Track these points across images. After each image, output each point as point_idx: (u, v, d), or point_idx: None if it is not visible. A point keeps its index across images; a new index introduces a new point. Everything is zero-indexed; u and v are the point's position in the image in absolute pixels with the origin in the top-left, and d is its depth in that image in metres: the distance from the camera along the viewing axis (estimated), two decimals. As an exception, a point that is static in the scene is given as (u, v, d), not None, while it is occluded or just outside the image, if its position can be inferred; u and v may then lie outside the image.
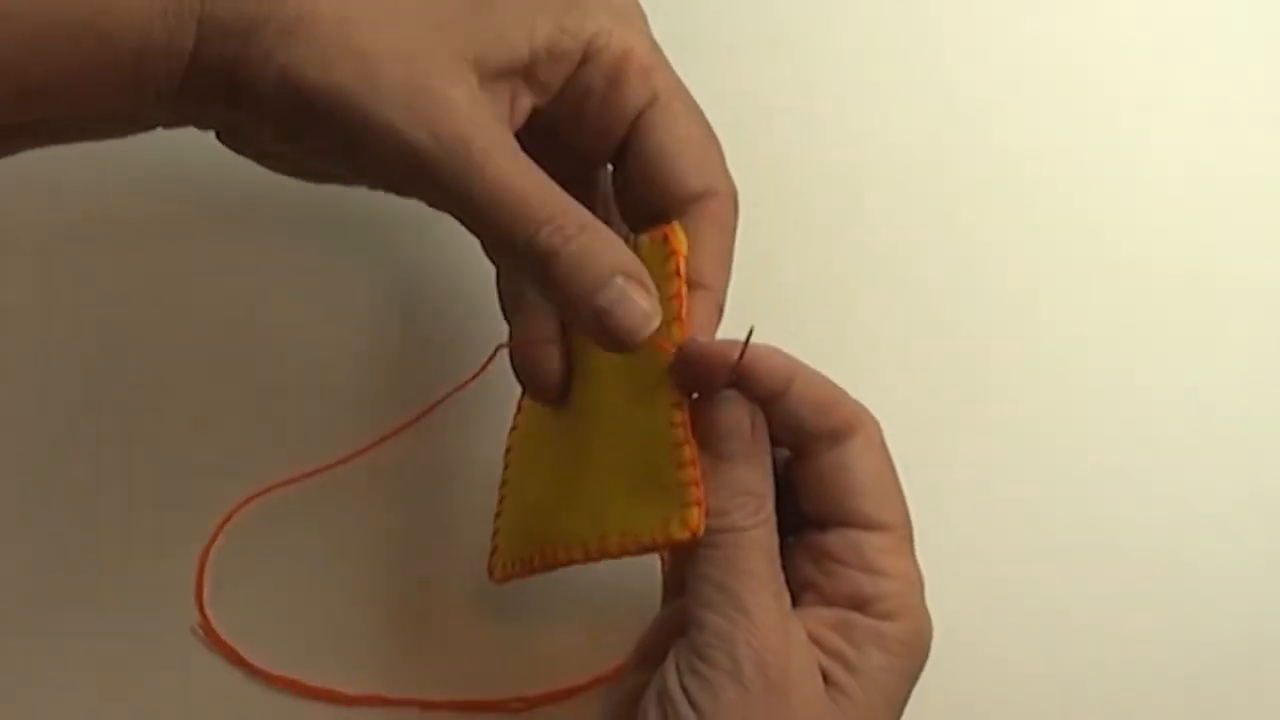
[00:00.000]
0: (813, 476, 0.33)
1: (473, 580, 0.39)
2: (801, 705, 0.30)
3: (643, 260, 0.32)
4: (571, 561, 0.34)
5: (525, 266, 0.31)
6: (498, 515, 0.38)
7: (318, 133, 0.31)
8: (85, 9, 0.28)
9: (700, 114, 0.35)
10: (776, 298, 0.43)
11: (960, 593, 0.43)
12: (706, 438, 0.32)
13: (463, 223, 0.32)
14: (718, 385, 0.32)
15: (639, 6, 0.34)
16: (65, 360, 0.41)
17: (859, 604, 0.32)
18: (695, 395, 0.32)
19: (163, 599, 0.40)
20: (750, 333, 0.31)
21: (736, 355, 0.31)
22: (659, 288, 0.32)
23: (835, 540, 0.32)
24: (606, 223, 0.33)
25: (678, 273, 0.33)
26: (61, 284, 0.41)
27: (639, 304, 0.31)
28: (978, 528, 0.44)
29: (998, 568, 0.44)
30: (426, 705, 0.40)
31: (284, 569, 0.41)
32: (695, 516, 0.31)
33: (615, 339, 0.31)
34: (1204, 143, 0.47)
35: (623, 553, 0.33)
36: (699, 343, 0.32)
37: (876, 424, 0.33)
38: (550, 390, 0.36)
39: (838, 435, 0.32)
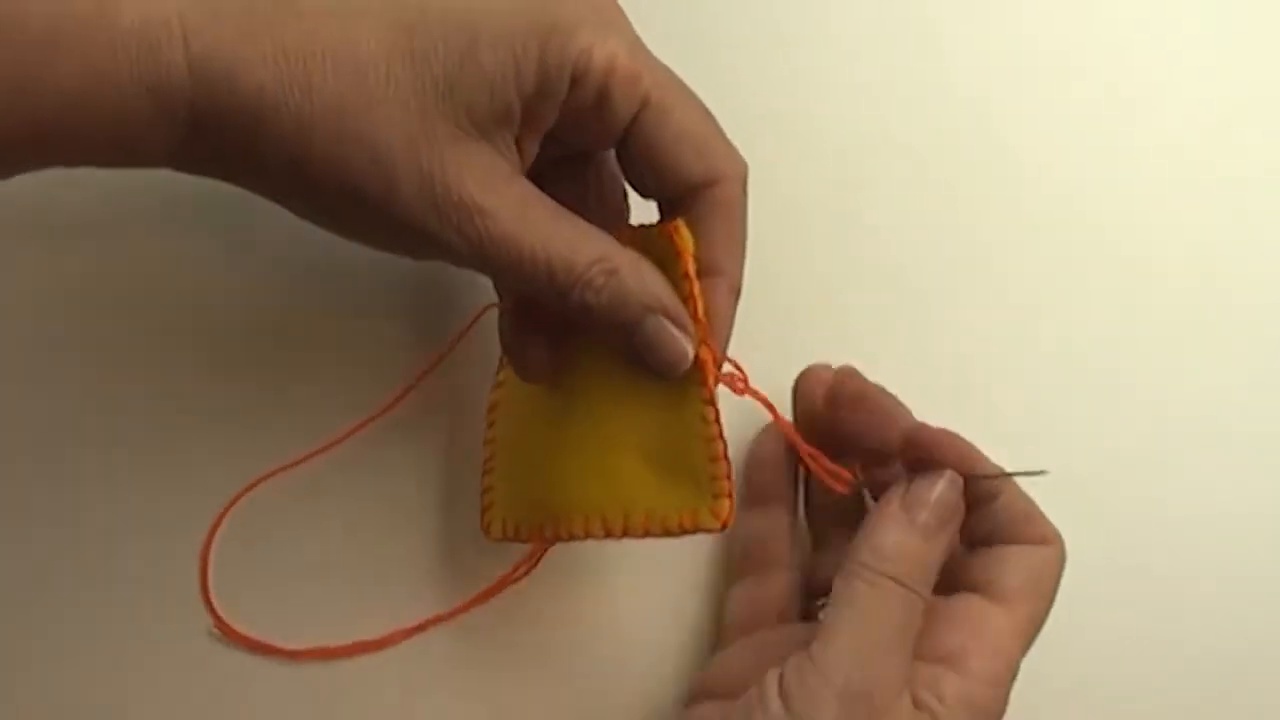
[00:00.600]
0: (976, 557, 0.36)
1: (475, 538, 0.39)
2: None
3: (651, 252, 0.34)
4: (589, 536, 0.35)
5: (561, 310, 0.33)
6: (488, 472, 0.39)
7: (335, 217, 0.33)
8: (70, 88, 0.29)
9: (695, 101, 0.35)
10: (775, 298, 0.43)
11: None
12: (911, 503, 0.34)
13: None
14: (939, 465, 0.35)
15: (615, 4, 0.34)
16: (60, 356, 0.41)
17: (949, 659, 0.33)
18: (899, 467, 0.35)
19: (169, 595, 0.40)
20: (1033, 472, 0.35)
21: (992, 471, 0.35)
22: (674, 285, 0.34)
23: (959, 600, 0.35)
24: (608, 199, 0.37)
25: (686, 274, 0.34)
26: (56, 277, 0.41)
27: (674, 342, 0.34)
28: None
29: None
30: (445, 617, 0.41)
31: (287, 551, 0.41)
32: (726, 508, 0.33)
33: (657, 371, 0.34)
34: (1204, 142, 0.47)
35: (646, 534, 0.34)
36: (948, 437, 0.35)
37: (1063, 546, 0.36)
38: (537, 377, 0.37)
39: (1029, 539, 0.35)
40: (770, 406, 0.36)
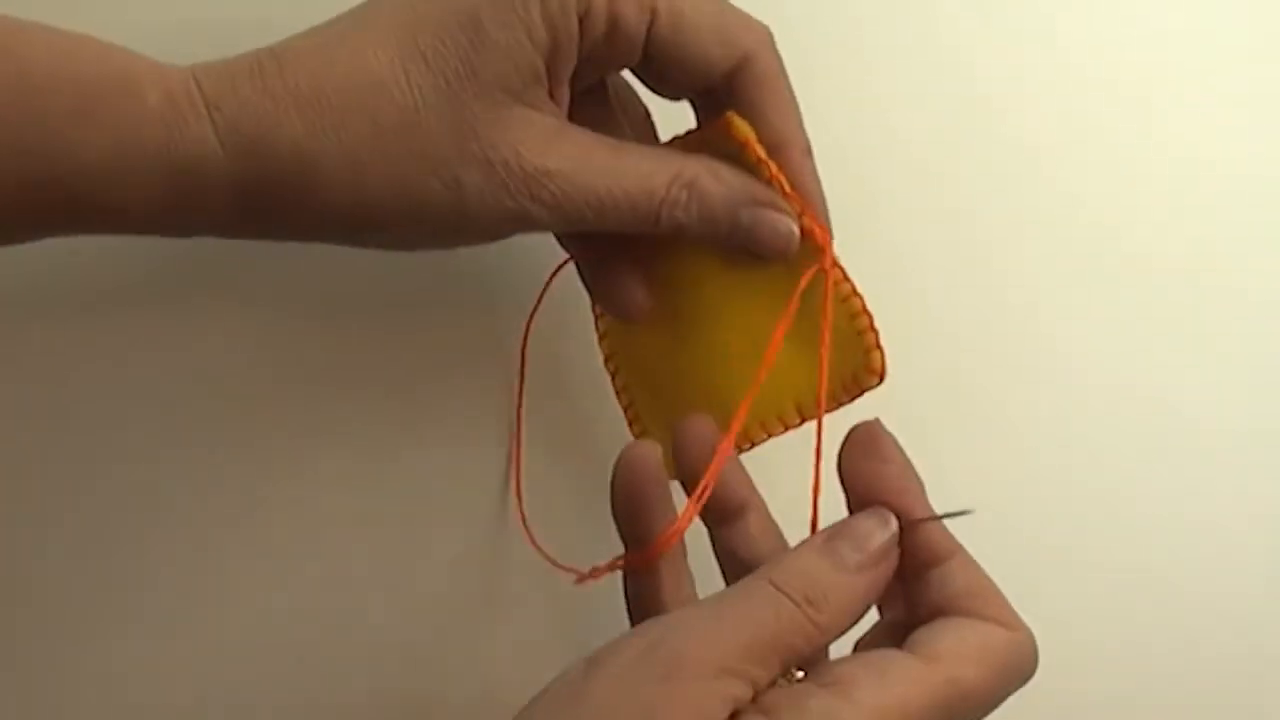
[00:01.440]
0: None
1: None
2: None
3: (715, 153, 0.35)
4: (770, 435, 0.36)
5: (655, 233, 0.34)
6: (633, 421, 0.39)
7: (405, 236, 0.33)
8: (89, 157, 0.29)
9: None
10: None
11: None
12: (836, 533, 0.31)
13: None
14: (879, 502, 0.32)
15: None
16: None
17: (834, 683, 0.29)
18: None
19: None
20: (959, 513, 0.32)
21: (923, 513, 0.32)
22: (751, 173, 0.34)
23: (880, 649, 0.31)
24: (630, 111, 0.37)
25: (759, 160, 0.34)
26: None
27: (776, 224, 0.34)
28: (974, 532, 0.44)
29: (996, 570, 0.44)
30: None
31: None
32: (878, 360, 0.34)
33: (771, 257, 0.34)
34: (1206, 142, 0.47)
35: (821, 412, 0.34)
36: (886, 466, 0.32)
37: (1028, 637, 0.31)
38: (639, 313, 0.37)
39: (990, 619, 0.31)
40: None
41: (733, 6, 0.35)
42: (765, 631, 0.29)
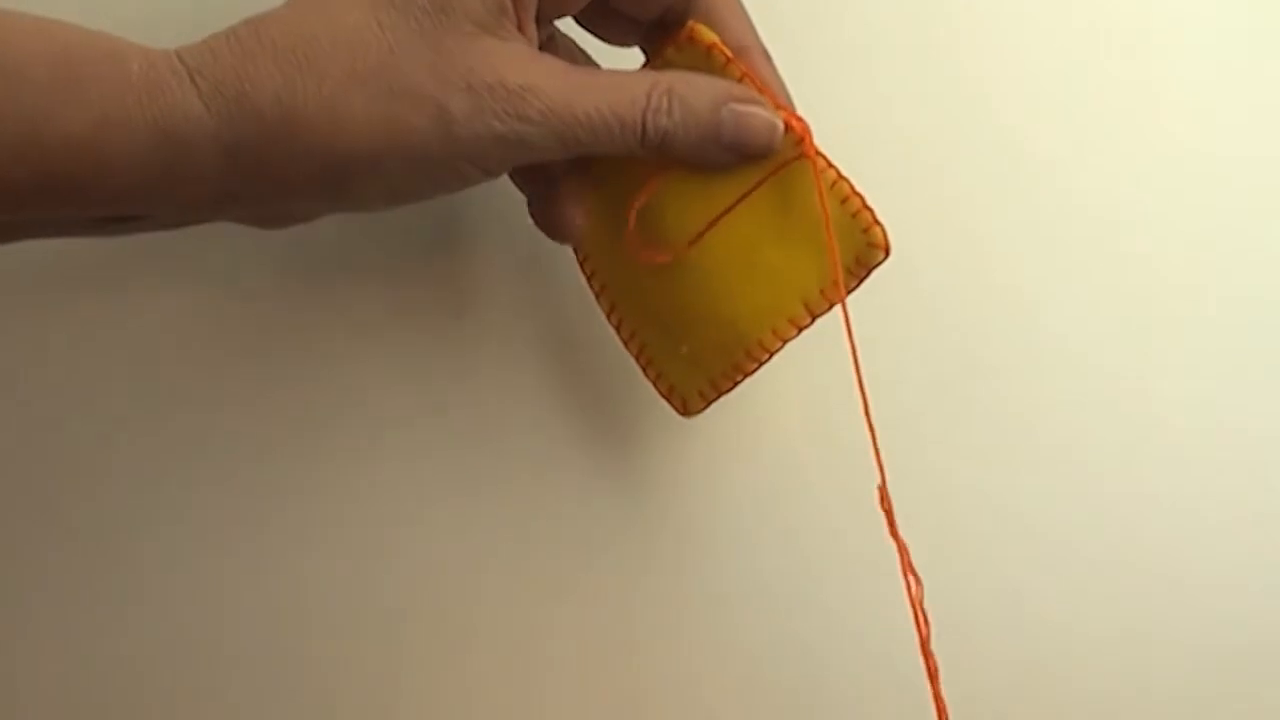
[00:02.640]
0: None
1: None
2: None
3: (684, 66, 0.35)
4: (785, 340, 0.36)
5: (642, 152, 0.34)
6: (649, 364, 0.39)
7: (397, 186, 0.33)
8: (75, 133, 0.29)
9: None
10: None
11: (958, 595, 0.43)
12: None
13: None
14: None
15: None
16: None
17: None
18: None
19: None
20: None
21: None
22: (721, 75, 0.35)
23: None
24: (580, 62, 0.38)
25: (728, 60, 0.35)
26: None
27: (759, 118, 0.34)
28: (974, 532, 0.44)
29: (996, 569, 0.44)
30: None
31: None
32: (879, 235, 0.34)
33: (757, 152, 0.35)
34: (1208, 140, 0.47)
35: (831, 304, 0.35)
36: None
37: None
38: (574, 235, 0.38)
39: None
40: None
41: None
42: None
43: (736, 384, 0.37)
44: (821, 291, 0.35)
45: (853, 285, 0.35)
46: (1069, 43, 0.46)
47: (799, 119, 0.35)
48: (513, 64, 0.32)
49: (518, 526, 0.43)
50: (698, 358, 0.37)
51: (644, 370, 0.39)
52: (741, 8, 0.36)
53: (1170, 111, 0.47)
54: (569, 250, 0.40)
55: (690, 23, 0.35)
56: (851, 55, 0.46)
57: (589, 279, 0.39)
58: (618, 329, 0.39)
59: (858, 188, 0.34)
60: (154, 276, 0.42)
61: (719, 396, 0.37)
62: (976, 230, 0.45)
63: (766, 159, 0.35)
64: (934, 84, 0.46)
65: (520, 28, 0.33)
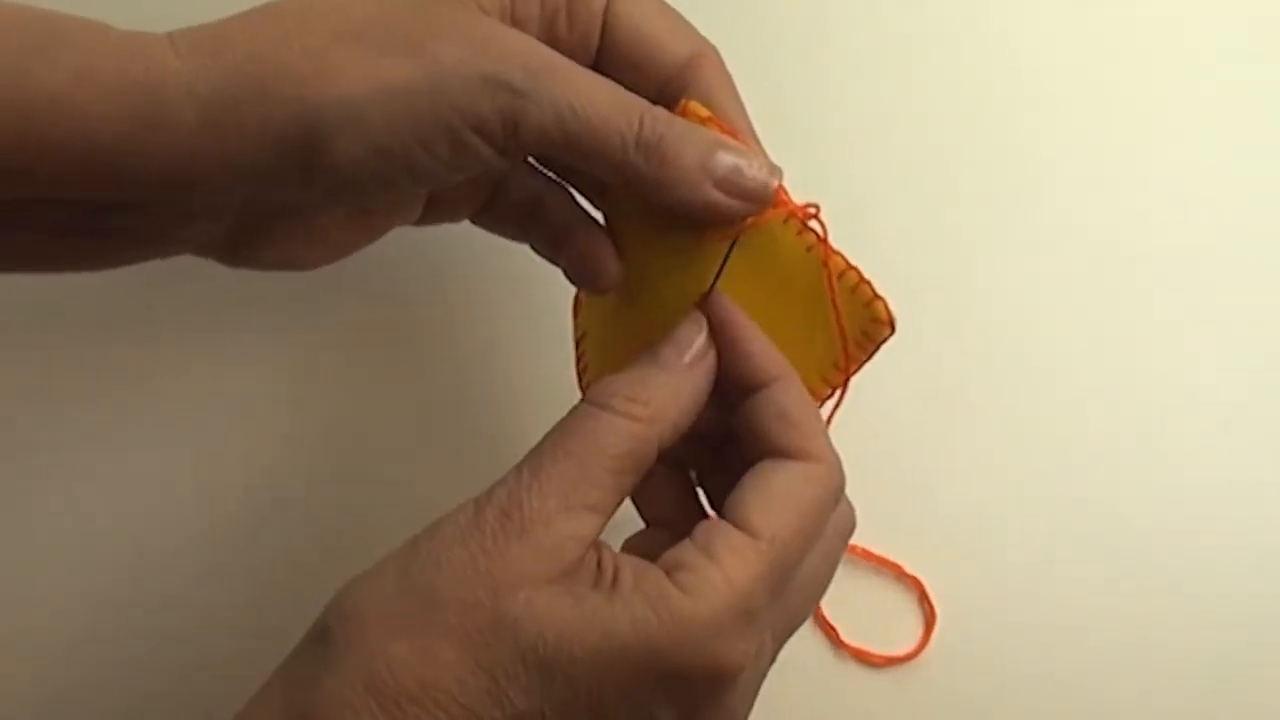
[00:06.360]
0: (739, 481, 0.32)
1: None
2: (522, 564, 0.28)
3: None
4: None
5: (628, 175, 0.31)
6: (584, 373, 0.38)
7: (395, 167, 0.31)
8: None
9: None
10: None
11: (959, 592, 0.43)
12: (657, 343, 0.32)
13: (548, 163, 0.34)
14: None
15: None
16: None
17: (668, 567, 0.29)
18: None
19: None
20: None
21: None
22: None
23: (706, 523, 0.31)
24: None
25: (726, 133, 0.33)
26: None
27: (754, 159, 0.32)
28: (974, 528, 0.44)
29: (996, 566, 0.44)
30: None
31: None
32: (883, 309, 0.32)
33: (751, 199, 0.32)
34: (1208, 140, 0.47)
35: (846, 379, 0.34)
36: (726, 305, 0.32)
37: (835, 466, 0.32)
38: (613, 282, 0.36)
39: (787, 453, 0.31)
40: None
41: (681, 15, 0.35)
42: (593, 450, 0.29)
43: None
44: (833, 362, 0.34)
45: (861, 361, 0.33)
46: (1069, 43, 0.47)
47: (797, 206, 0.33)
48: (513, 35, 0.31)
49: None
50: None
51: (579, 375, 0.38)
52: (739, 98, 0.35)
53: (1164, 115, 0.47)
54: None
55: (684, 100, 0.34)
56: (840, 56, 0.46)
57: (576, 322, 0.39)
58: (577, 344, 0.38)
59: (853, 261, 0.33)
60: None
61: None
62: (974, 232, 0.46)
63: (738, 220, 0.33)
64: (927, 85, 0.46)
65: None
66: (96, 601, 0.42)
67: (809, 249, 0.33)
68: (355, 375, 0.44)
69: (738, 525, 0.30)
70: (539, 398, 0.43)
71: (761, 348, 0.32)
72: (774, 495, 0.30)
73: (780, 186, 0.33)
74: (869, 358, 0.33)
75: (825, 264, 0.33)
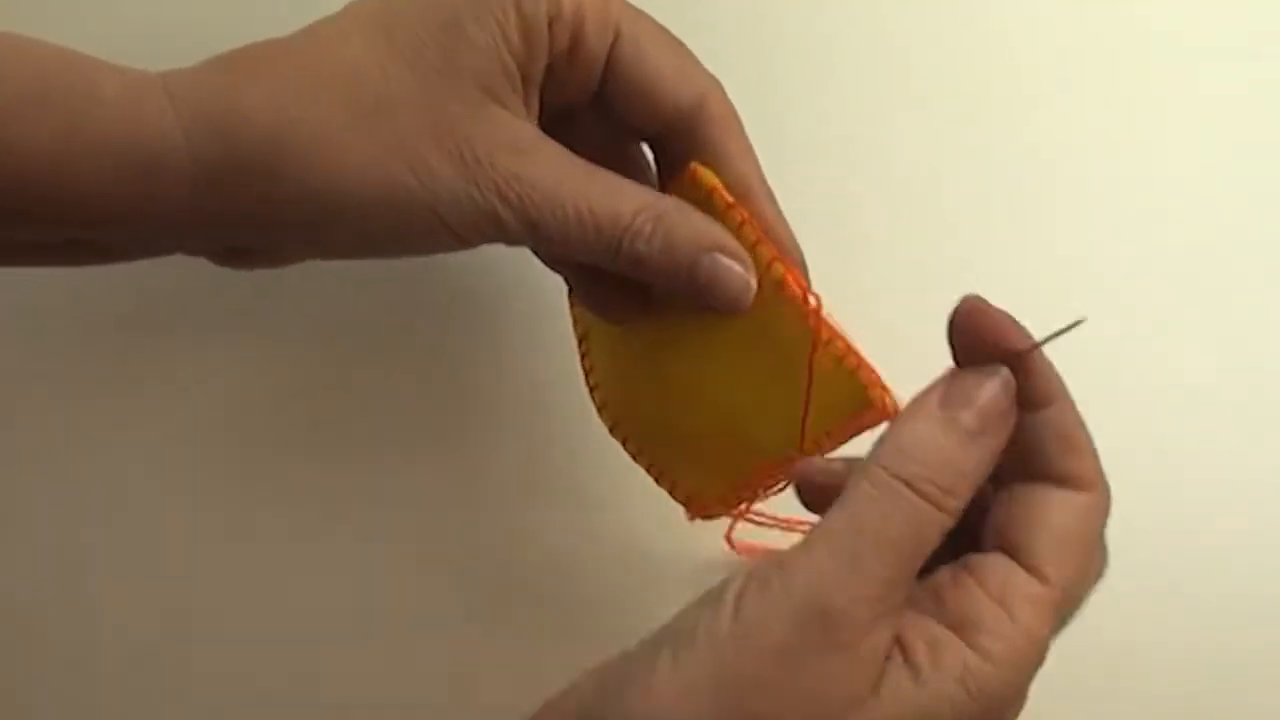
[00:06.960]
0: (1010, 501, 0.29)
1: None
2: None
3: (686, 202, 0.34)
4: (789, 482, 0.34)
5: (614, 267, 0.33)
6: (661, 476, 0.37)
7: (371, 237, 0.32)
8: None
9: (658, 26, 0.35)
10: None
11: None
12: (952, 400, 0.28)
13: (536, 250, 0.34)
14: (988, 356, 0.29)
15: None
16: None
17: (961, 625, 0.27)
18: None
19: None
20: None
21: (1026, 341, 0.28)
22: (719, 221, 0.33)
23: (989, 561, 0.29)
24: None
25: (728, 205, 0.34)
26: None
27: (736, 277, 0.33)
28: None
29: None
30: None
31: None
32: (879, 397, 0.32)
33: (724, 308, 0.33)
34: (1208, 140, 0.47)
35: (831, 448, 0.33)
36: (988, 308, 0.29)
37: (1109, 494, 0.30)
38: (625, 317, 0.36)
39: (1068, 481, 0.29)
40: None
41: (690, 52, 0.35)
42: (907, 548, 0.27)
43: (742, 510, 0.36)
44: (827, 434, 0.33)
45: (842, 441, 0.33)
46: (1069, 43, 0.46)
47: (799, 277, 0.34)
48: (510, 145, 0.32)
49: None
50: (708, 477, 0.36)
51: (656, 479, 0.38)
52: (746, 140, 0.35)
53: (1161, 115, 0.47)
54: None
55: (692, 165, 0.34)
56: (840, 60, 0.46)
57: (587, 376, 0.39)
58: (624, 443, 0.38)
59: (854, 345, 0.32)
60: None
61: (728, 513, 0.37)
62: (973, 233, 0.45)
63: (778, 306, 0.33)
64: (927, 89, 0.46)
65: (525, 101, 0.33)
66: (96, 602, 0.42)
67: (804, 319, 0.33)
68: (353, 375, 0.43)
69: (1030, 570, 0.28)
70: (539, 398, 0.43)
71: (1046, 366, 0.29)
72: (1067, 536, 0.29)
73: (790, 271, 0.33)
74: (847, 436, 0.33)
75: (813, 352, 0.32)
